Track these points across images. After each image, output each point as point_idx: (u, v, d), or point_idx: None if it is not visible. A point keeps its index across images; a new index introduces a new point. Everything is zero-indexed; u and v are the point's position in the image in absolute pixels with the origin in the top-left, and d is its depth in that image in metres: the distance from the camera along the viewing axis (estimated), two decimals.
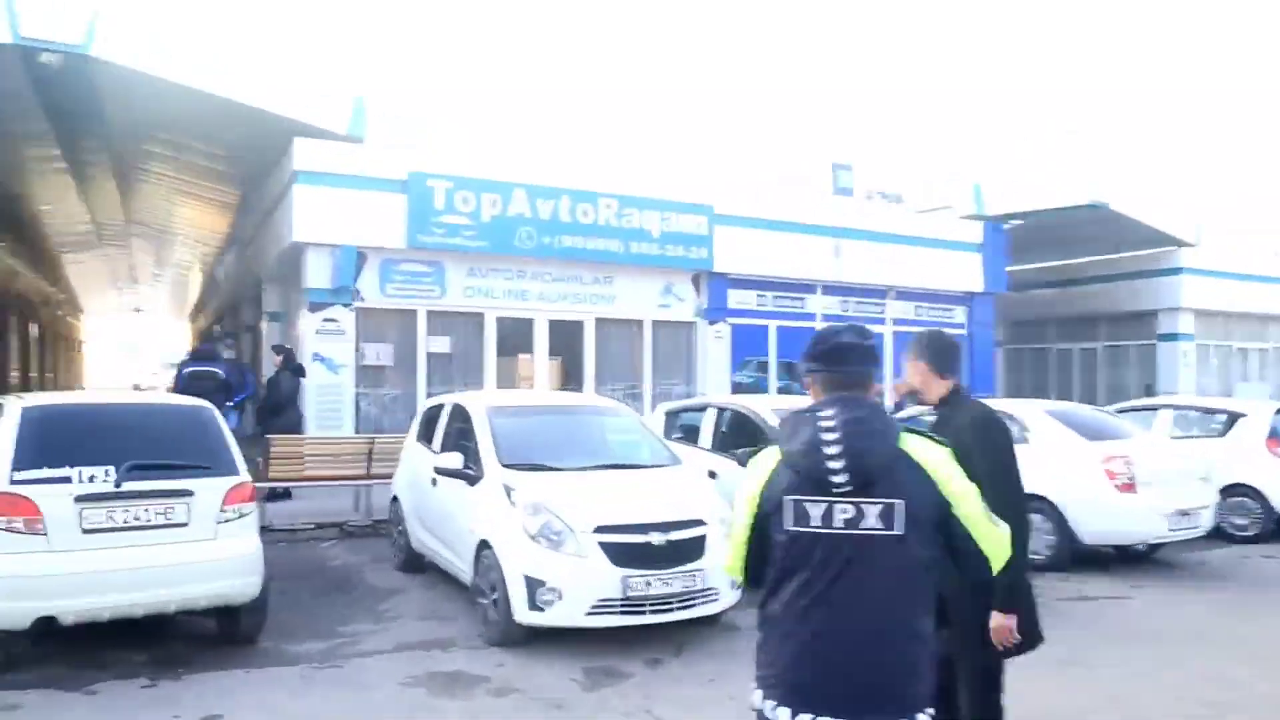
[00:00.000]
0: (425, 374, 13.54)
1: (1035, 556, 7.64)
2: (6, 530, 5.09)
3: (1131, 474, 8.46)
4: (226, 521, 5.67)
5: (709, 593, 5.94)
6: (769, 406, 8.71)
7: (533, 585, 5.72)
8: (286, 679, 5.45)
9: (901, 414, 8.24)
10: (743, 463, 6.89)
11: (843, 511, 2.33)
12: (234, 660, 5.71)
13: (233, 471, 5.81)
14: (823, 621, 2.33)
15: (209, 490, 5.64)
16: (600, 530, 5.77)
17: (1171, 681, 5.61)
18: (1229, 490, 9.84)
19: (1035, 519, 8.64)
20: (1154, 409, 11.79)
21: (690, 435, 9.53)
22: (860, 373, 2.50)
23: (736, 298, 15.90)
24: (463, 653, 5.92)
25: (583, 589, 5.68)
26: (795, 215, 16.16)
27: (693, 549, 5.89)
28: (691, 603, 5.88)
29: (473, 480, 6.60)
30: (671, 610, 5.81)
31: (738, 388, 15.72)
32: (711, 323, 15.60)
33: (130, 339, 58.07)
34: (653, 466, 6.97)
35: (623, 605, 5.68)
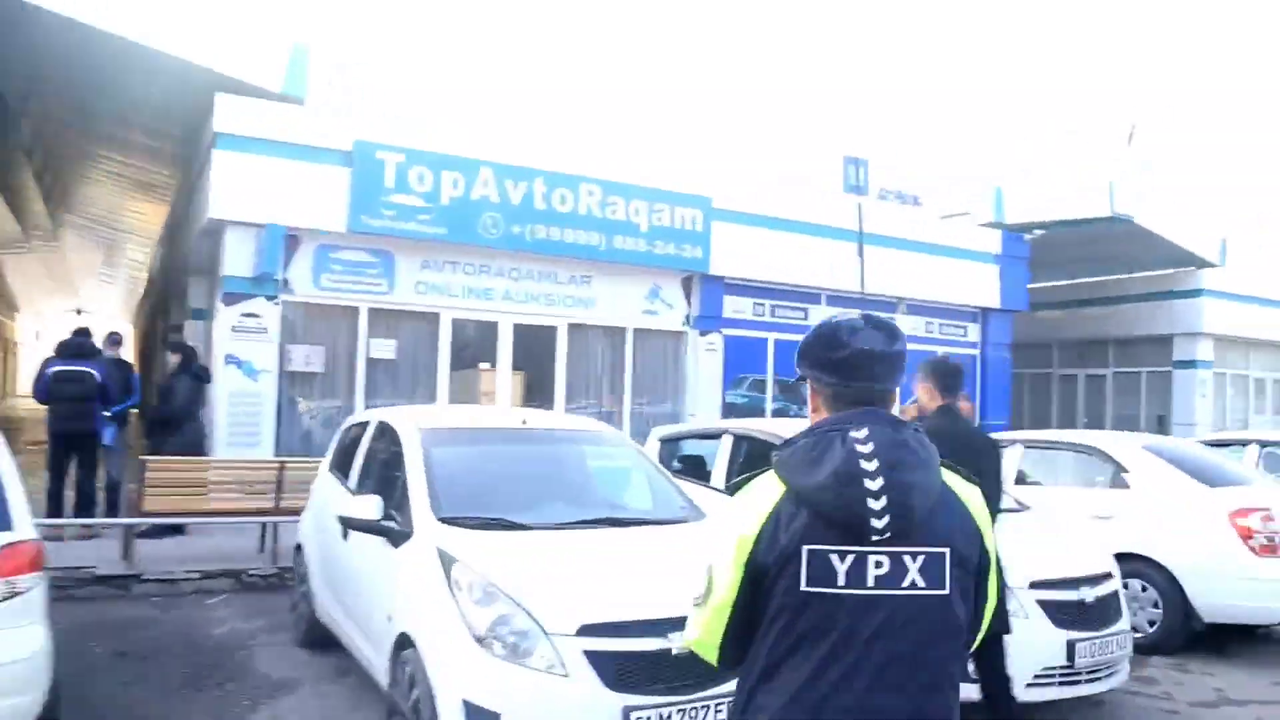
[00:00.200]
0: (365, 384, 11.32)
1: (1136, 635, 6.02)
2: None
3: (1272, 532, 6.52)
4: None
5: None
6: None
7: (479, 719, 3.60)
8: None
9: None
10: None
11: (876, 566, 1.80)
12: None
13: (3, 526, 3.64)
14: (847, 714, 1.76)
15: None
16: (589, 632, 3.65)
17: None
18: None
19: (1134, 586, 6.76)
20: (1240, 444, 9.87)
21: (693, 470, 7.44)
22: (889, 391, 1.95)
23: (733, 305, 13.86)
24: None
25: None
26: (803, 214, 14.14)
27: None
28: None
29: (397, 539, 4.46)
30: None
31: (730, 409, 13.67)
32: (703, 333, 13.53)
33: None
34: (665, 522, 4.82)
35: None
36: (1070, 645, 5.00)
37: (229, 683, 5.42)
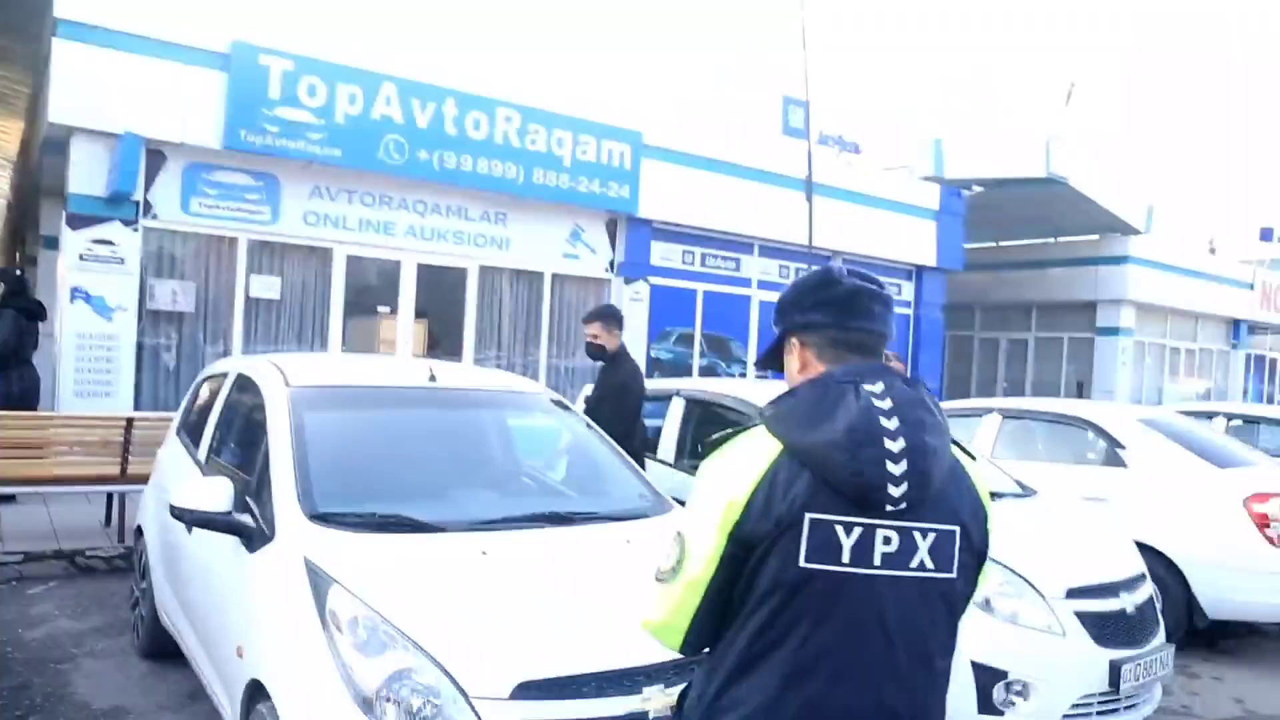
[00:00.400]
0: (243, 328, 9.80)
1: None
2: None
3: None
4: None
5: None
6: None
7: None
8: None
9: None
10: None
11: (885, 542, 1.55)
12: None
13: None
14: (847, 714, 1.53)
15: None
16: (528, 692, 2.49)
17: None
18: None
19: None
20: (1207, 416, 9.22)
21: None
22: (885, 336, 1.73)
23: (660, 252, 12.71)
24: None
25: None
26: (739, 156, 13.02)
27: None
28: None
29: (253, 541, 3.20)
30: None
31: (655, 364, 12.59)
32: (628, 281, 12.35)
33: None
34: (622, 518, 3.55)
35: None
36: (1115, 667, 4.09)
37: (41, 710, 4.09)
